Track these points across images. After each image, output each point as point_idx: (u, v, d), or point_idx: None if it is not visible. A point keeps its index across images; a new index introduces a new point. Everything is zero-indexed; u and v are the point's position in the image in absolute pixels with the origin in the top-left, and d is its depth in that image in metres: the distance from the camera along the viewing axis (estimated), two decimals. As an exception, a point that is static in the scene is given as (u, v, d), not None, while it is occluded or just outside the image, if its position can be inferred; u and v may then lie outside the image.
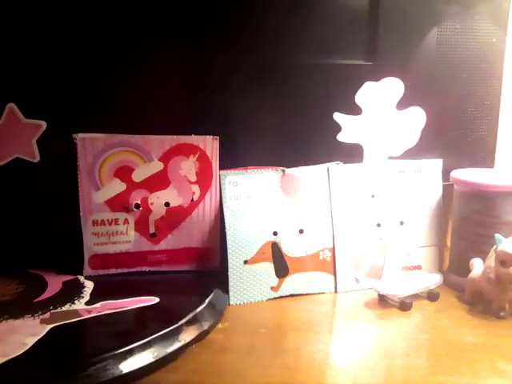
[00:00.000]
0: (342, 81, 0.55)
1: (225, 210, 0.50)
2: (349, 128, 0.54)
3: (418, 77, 0.56)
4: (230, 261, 0.49)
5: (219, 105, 0.53)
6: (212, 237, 0.52)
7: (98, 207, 0.50)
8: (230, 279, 0.49)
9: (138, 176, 0.50)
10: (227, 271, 0.49)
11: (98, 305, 0.43)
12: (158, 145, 0.50)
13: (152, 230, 0.51)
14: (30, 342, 0.36)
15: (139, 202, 0.51)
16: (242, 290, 0.49)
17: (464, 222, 0.53)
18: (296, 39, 0.54)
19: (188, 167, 0.51)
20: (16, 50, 0.50)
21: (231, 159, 0.52)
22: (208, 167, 0.52)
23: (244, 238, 0.50)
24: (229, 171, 0.51)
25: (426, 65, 0.56)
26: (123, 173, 0.50)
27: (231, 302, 0.48)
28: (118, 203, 0.50)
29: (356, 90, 0.53)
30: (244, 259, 0.50)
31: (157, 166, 0.50)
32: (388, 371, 0.38)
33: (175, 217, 0.52)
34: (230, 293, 0.49)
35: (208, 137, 0.51)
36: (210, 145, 0.51)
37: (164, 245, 0.52)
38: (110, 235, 0.51)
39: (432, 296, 0.51)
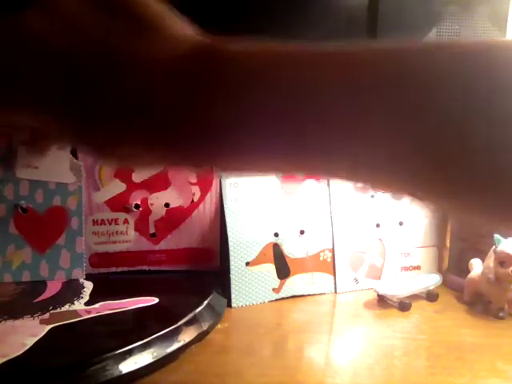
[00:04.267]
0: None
1: (226, 211, 0.50)
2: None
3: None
4: (231, 263, 0.49)
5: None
6: (212, 238, 0.52)
7: (98, 207, 0.50)
8: (232, 281, 0.48)
9: (138, 177, 0.50)
10: (229, 273, 0.49)
11: (97, 305, 0.43)
12: None
13: (152, 230, 0.51)
14: (30, 342, 0.36)
15: (139, 203, 0.50)
16: (243, 292, 0.49)
17: (463, 223, 0.53)
18: (296, 39, 0.54)
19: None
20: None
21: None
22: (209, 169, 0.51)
23: (246, 240, 0.50)
24: None
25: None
26: (123, 173, 0.50)
27: (233, 305, 0.48)
28: (118, 203, 0.50)
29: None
30: (246, 261, 0.49)
31: (157, 168, 0.50)
32: (387, 371, 0.38)
33: (175, 217, 0.52)
34: (232, 295, 0.48)
35: None
36: None
37: (164, 245, 0.52)
38: (110, 234, 0.51)
39: (431, 296, 0.51)
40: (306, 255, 0.52)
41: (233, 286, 0.49)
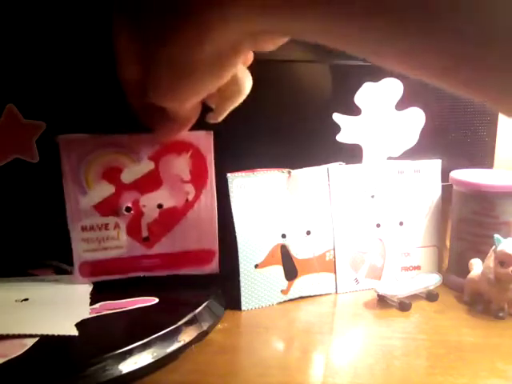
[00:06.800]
0: (342, 81, 0.55)
1: (234, 213, 0.49)
2: (348, 128, 0.54)
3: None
4: (241, 265, 0.48)
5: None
6: (209, 238, 0.49)
7: (86, 213, 0.46)
8: (242, 284, 0.48)
9: (127, 177, 0.47)
10: (238, 275, 0.48)
11: (97, 305, 0.43)
12: (147, 143, 0.46)
13: (145, 233, 0.48)
14: (30, 342, 0.36)
15: (130, 205, 0.47)
16: (253, 295, 0.49)
17: (463, 223, 0.53)
18: (296, 39, 0.54)
19: (181, 166, 0.48)
20: (15, 51, 0.50)
21: (230, 161, 0.51)
22: (202, 165, 0.48)
23: (254, 242, 0.49)
24: (236, 174, 0.49)
25: (426, 65, 0.56)
26: (111, 174, 0.46)
27: (243, 308, 0.48)
28: (108, 207, 0.47)
29: (355, 91, 0.53)
30: (255, 263, 0.49)
31: (147, 166, 0.47)
32: (387, 371, 0.38)
33: (169, 219, 0.49)
34: (242, 298, 0.48)
35: (201, 132, 0.47)
36: (204, 140, 0.48)
37: (158, 249, 0.49)
38: (101, 241, 0.47)
39: (431, 296, 0.51)
40: (313, 256, 0.52)
41: (242, 289, 0.48)
